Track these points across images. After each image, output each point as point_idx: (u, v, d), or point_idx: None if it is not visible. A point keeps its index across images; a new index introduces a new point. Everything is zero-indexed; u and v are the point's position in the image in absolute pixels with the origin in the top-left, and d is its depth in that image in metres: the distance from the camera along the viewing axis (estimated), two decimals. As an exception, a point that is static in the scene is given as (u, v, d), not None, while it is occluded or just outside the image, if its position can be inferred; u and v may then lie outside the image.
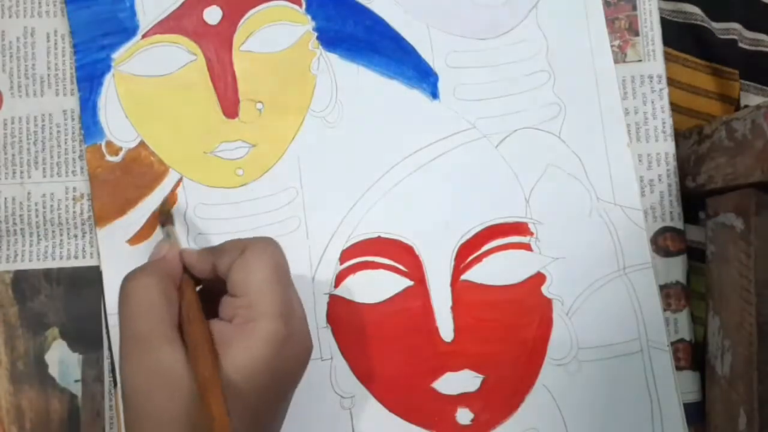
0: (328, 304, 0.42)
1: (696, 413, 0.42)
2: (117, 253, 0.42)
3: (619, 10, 0.45)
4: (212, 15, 0.43)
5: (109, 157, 0.43)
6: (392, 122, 0.43)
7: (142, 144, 0.43)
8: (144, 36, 0.43)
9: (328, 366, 0.42)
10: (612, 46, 0.44)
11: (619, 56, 0.44)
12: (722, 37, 0.46)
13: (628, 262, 0.42)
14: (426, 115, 0.43)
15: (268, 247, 0.34)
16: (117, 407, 0.41)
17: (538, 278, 0.42)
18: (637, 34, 0.45)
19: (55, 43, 0.44)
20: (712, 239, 0.42)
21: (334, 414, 0.41)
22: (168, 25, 0.43)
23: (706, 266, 0.43)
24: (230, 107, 0.43)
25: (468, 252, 0.42)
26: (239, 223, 0.42)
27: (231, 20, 0.43)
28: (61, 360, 0.42)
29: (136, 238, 0.42)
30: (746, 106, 0.41)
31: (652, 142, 0.44)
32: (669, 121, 0.44)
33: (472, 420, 0.41)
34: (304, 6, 0.44)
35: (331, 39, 0.44)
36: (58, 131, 0.43)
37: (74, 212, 0.43)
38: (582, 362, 0.42)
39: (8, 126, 0.43)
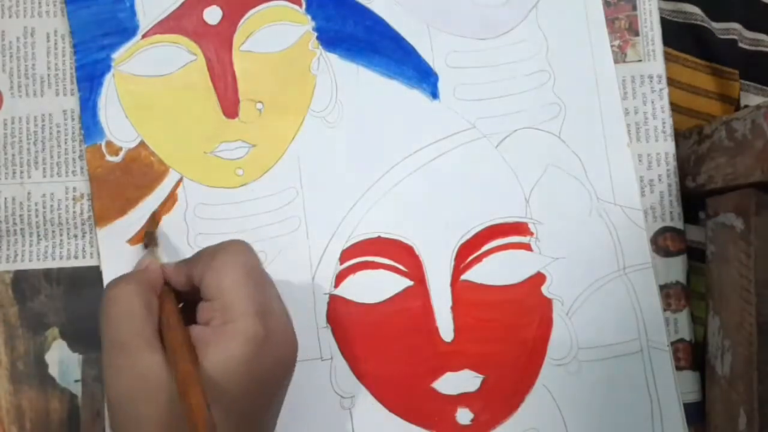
0: (328, 304, 0.42)
1: (696, 413, 0.42)
2: (117, 253, 0.42)
3: (619, 10, 0.45)
4: (212, 15, 0.43)
5: (109, 157, 0.43)
6: (392, 122, 0.43)
7: (142, 144, 0.43)
8: (144, 36, 0.43)
9: (328, 366, 0.42)
10: (612, 46, 0.44)
11: (619, 56, 0.44)
12: (722, 37, 0.46)
13: (628, 262, 0.42)
14: (426, 115, 0.43)
15: (238, 248, 0.34)
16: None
17: (538, 278, 0.42)
18: (637, 34, 0.45)
19: (55, 43, 0.44)
20: (712, 239, 0.42)
21: (334, 414, 0.41)
22: (168, 25, 0.43)
23: (706, 266, 0.43)
24: (230, 107, 0.43)
25: (468, 252, 0.42)
26: (239, 223, 0.42)
27: (231, 20, 0.43)
28: (61, 360, 0.42)
29: (136, 238, 0.42)
30: (746, 106, 0.41)
31: (652, 142, 0.44)
32: (669, 121, 0.44)
33: (472, 420, 0.41)
34: (304, 6, 0.44)
35: (331, 39, 0.44)
36: (58, 131, 0.43)
37: (74, 212, 0.43)
38: (582, 362, 0.42)
39: (8, 126, 0.43)
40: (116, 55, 0.43)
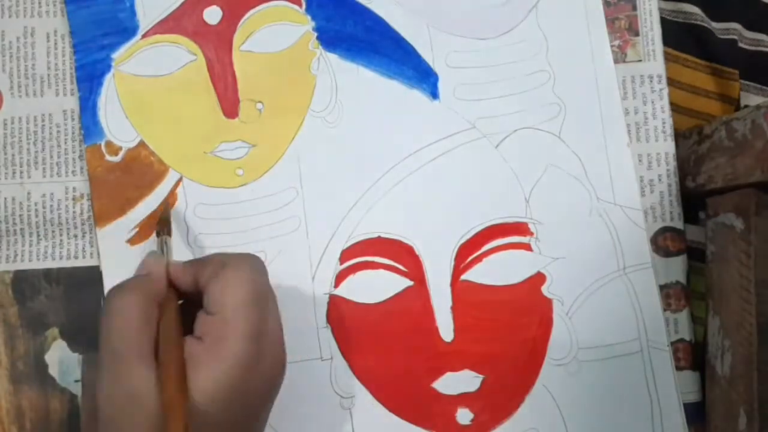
0: (328, 304, 0.42)
1: (696, 413, 0.42)
2: (117, 253, 0.42)
3: (619, 10, 0.45)
4: (212, 15, 0.43)
5: (109, 157, 0.43)
6: (392, 122, 0.43)
7: (142, 144, 0.43)
8: (144, 36, 0.43)
9: (328, 366, 0.42)
10: (612, 46, 0.44)
11: (619, 56, 0.44)
12: (722, 37, 0.46)
13: (628, 262, 0.42)
14: (426, 115, 0.43)
15: (248, 264, 0.34)
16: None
17: (538, 278, 0.42)
18: (637, 34, 0.45)
19: (55, 43, 0.44)
20: (712, 239, 0.42)
21: (334, 414, 0.41)
22: (168, 25, 0.43)
23: (706, 266, 0.43)
24: (230, 107, 0.43)
25: (468, 252, 0.42)
26: (239, 223, 0.42)
27: (231, 20, 0.43)
28: (61, 360, 0.42)
29: (136, 238, 0.42)
30: (746, 106, 0.41)
31: (652, 142, 0.44)
32: (669, 121, 0.44)
33: (472, 420, 0.41)
34: (304, 6, 0.44)
35: (331, 39, 0.44)
36: (58, 131, 0.43)
37: (74, 212, 0.43)
38: (582, 362, 0.42)
39: (8, 126, 0.43)
40: (116, 55, 0.43)
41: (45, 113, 0.43)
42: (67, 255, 0.42)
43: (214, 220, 0.42)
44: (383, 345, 0.42)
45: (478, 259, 0.42)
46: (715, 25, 0.46)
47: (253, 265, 0.34)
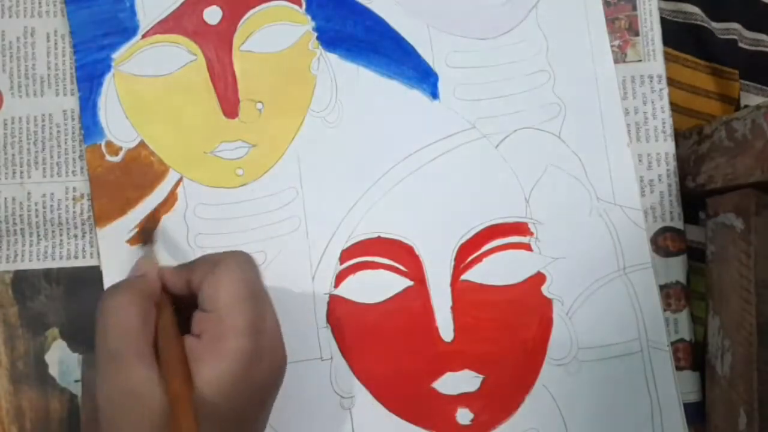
0: (328, 304, 0.42)
1: (696, 413, 0.42)
2: (117, 253, 0.42)
3: (619, 10, 0.45)
4: (212, 15, 0.43)
5: (109, 157, 0.43)
6: (392, 122, 0.43)
7: (142, 144, 0.43)
8: (144, 36, 0.43)
9: (328, 366, 0.42)
10: (612, 46, 0.44)
11: (619, 56, 0.44)
12: (722, 37, 0.46)
13: (628, 262, 0.42)
14: (426, 115, 0.43)
15: (240, 261, 0.34)
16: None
17: (538, 278, 0.42)
18: (637, 34, 0.45)
19: (55, 43, 0.44)
20: (712, 239, 0.42)
21: (334, 414, 0.41)
22: (168, 25, 0.43)
23: (706, 266, 0.43)
24: (230, 107, 0.43)
25: (468, 252, 0.42)
26: (239, 223, 0.42)
27: (231, 20, 0.43)
28: (61, 360, 0.42)
29: (136, 238, 0.42)
30: (746, 106, 0.41)
31: (652, 142, 0.44)
32: (669, 121, 0.44)
33: (472, 420, 0.41)
34: (304, 6, 0.44)
35: (331, 39, 0.44)
36: (58, 131, 0.43)
37: (74, 212, 0.43)
38: (582, 362, 0.42)
39: (8, 126, 0.43)
40: (116, 55, 0.43)
41: (45, 113, 0.43)
42: (67, 255, 0.42)
43: (214, 220, 0.42)
44: (383, 345, 0.42)
45: (478, 259, 0.42)
46: (715, 25, 0.46)
47: (244, 261, 0.35)
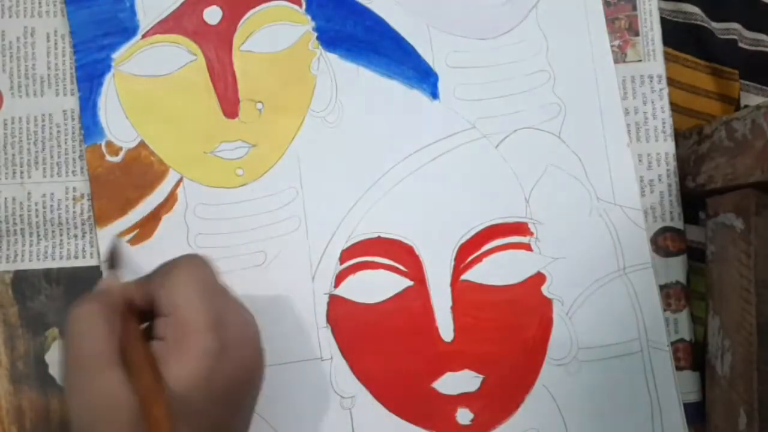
0: (328, 304, 0.42)
1: (696, 413, 0.42)
2: (117, 253, 0.42)
3: (619, 10, 0.45)
4: (212, 15, 0.43)
5: (109, 157, 0.43)
6: (392, 122, 0.43)
7: (142, 144, 0.43)
8: (144, 36, 0.43)
9: (328, 366, 0.42)
10: (612, 46, 0.44)
11: (619, 56, 0.44)
12: (722, 37, 0.46)
13: (628, 262, 0.42)
14: (426, 115, 0.43)
15: (193, 263, 0.34)
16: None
17: (538, 278, 0.42)
18: (637, 34, 0.45)
19: (55, 43, 0.44)
20: (712, 239, 0.42)
21: (334, 414, 0.41)
22: (168, 25, 0.43)
23: (706, 266, 0.43)
24: (230, 107, 0.43)
25: (468, 252, 0.42)
26: (239, 223, 0.42)
27: (231, 20, 0.43)
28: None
29: (136, 239, 0.42)
30: (746, 106, 0.41)
31: (652, 142, 0.44)
32: (669, 121, 0.44)
33: (472, 420, 0.41)
34: (304, 6, 0.44)
35: (331, 39, 0.44)
36: (58, 131, 0.43)
37: (74, 212, 0.43)
38: (582, 362, 0.42)
39: (8, 126, 0.43)
40: (116, 55, 0.43)
41: (45, 113, 0.43)
42: (67, 255, 0.42)
43: (214, 220, 0.42)
44: (383, 345, 0.42)
45: (478, 259, 0.42)
46: (715, 25, 0.46)
47: (197, 262, 0.35)
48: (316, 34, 0.44)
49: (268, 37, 0.43)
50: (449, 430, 0.41)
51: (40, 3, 0.44)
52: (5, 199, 0.43)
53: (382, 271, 0.42)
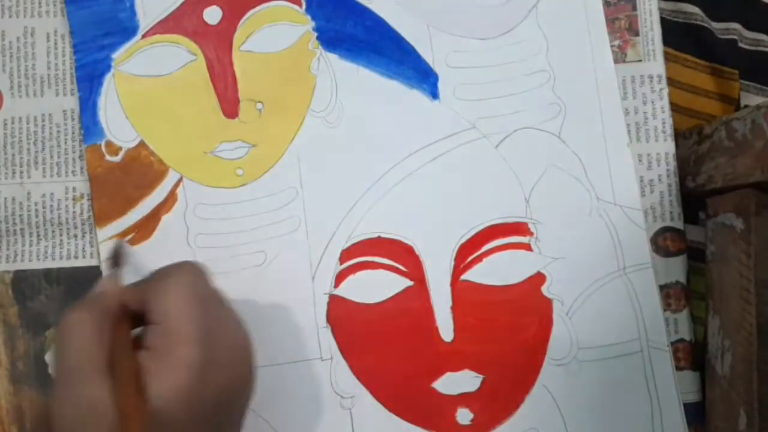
0: (328, 304, 0.42)
1: (696, 413, 0.42)
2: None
3: (619, 10, 0.45)
4: (212, 15, 0.43)
5: (109, 157, 0.43)
6: (392, 122, 0.43)
7: (142, 144, 0.43)
8: (144, 36, 0.43)
9: (328, 366, 0.42)
10: (612, 46, 0.44)
11: (619, 56, 0.44)
12: (722, 37, 0.46)
13: (628, 262, 0.42)
14: (426, 115, 0.43)
15: (187, 271, 0.34)
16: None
17: (538, 278, 0.42)
18: (637, 34, 0.45)
19: (55, 43, 0.44)
20: (712, 239, 0.42)
21: (334, 414, 0.41)
22: (168, 25, 0.43)
23: (706, 266, 0.43)
24: (230, 107, 0.43)
25: (468, 252, 0.42)
26: (239, 223, 0.42)
27: (231, 20, 0.43)
28: (61, 360, 0.42)
29: (136, 239, 0.42)
30: (746, 106, 0.41)
31: (652, 142, 0.44)
32: (669, 121, 0.44)
33: (472, 420, 0.41)
34: (304, 6, 0.44)
35: (331, 39, 0.44)
36: (58, 131, 0.43)
37: (74, 212, 0.43)
38: (582, 362, 0.42)
39: (8, 126, 0.43)
40: (116, 55, 0.43)
41: (45, 113, 0.43)
42: (67, 255, 0.42)
43: (214, 220, 0.42)
44: (383, 345, 0.42)
45: (478, 259, 0.42)
46: (715, 25, 0.46)
47: (190, 270, 0.34)
48: (316, 34, 0.44)
49: (268, 37, 0.43)
50: (449, 430, 0.41)
51: (40, 3, 0.44)
52: (5, 199, 0.43)
53: (382, 271, 0.42)
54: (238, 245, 0.42)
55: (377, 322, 0.42)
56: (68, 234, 0.43)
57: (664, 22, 0.45)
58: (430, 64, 0.44)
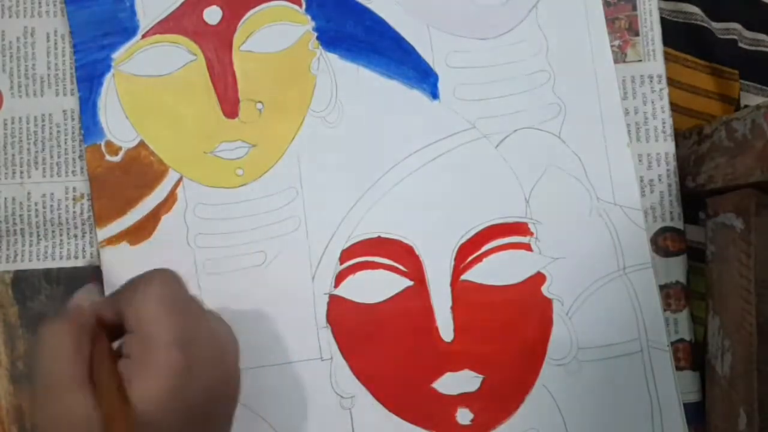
0: (328, 304, 0.42)
1: (696, 413, 0.42)
2: (117, 253, 0.42)
3: (619, 10, 0.45)
4: (212, 15, 0.43)
5: (109, 157, 0.43)
6: (392, 122, 0.43)
7: (142, 144, 0.43)
8: (144, 36, 0.43)
9: (328, 366, 0.42)
10: (612, 46, 0.44)
11: (619, 56, 0.44)
12: (722, 37, 0.46)
13: (628, 262, 0.42)
14: (426, 115, 0.43)
15: (158, 278, 0.34)
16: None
17: (538, 278, 0.42)
18: (637, 34, 0.45)
19: (55, 43, 0.44)
20: (712, 239, 0.42)
21: (334, 414, 0.41)
22: (168, 25, 0.43)
23: (706, 266, 0.43)
24: (230, 107, 0.43)
25: (468, 252, 0.42)
26: (239, 223, 0.42)
27: (231, 20, 0.43)
28: (61, 360, 0.42)
29: (136, 238, 0.42)
30: (746, 106, 0.41)
31: (652, 142, 0.44)
32: (669, 121, 0.44)
33: (472, 420, 0.41)
34: (304, 6, 0.44)
35: (331, 39, 0.44)
36: (58, 131, 0.43)
37: (74, 212, 0.43)
38: (582, 362, 0.42)
39: (8, 126, 0.43)
40: (116, 55, 0.43)
41: (45, 113, 0.43)
42: (67, 255, 0.42)
43: (214, 220, 0.42)
44: (383, 345, 0.42)
45: (478, 259, 0.42)
46: (715, 25, 0.46)
47: (162, 277, 0.34)
48: (316, 34, 0.44)
49: (268, 37, 0.43)
50: (449, 430, 0.41)
51: (40, 3, 0.44)
52: (5, 199, 0.43)
53: (382, 271, 0.42)
54: (238, 245, 0.42)
55: (377, 322, 0.42)
56: (68, 234, 0.43)
57: (664, 22, 0.45)
58: (430, 64, 0.44)
